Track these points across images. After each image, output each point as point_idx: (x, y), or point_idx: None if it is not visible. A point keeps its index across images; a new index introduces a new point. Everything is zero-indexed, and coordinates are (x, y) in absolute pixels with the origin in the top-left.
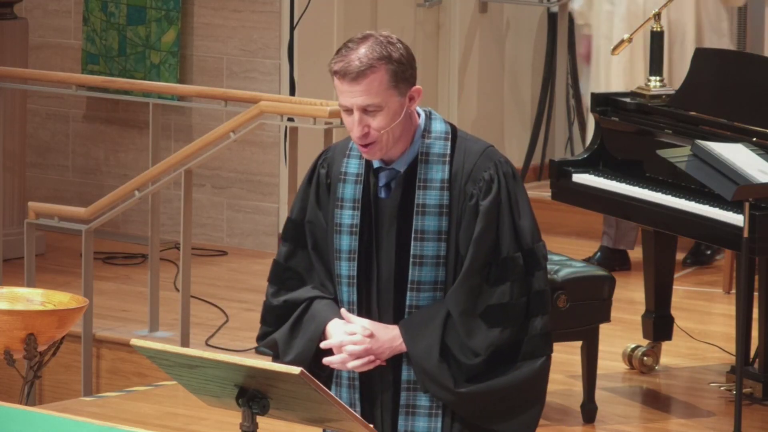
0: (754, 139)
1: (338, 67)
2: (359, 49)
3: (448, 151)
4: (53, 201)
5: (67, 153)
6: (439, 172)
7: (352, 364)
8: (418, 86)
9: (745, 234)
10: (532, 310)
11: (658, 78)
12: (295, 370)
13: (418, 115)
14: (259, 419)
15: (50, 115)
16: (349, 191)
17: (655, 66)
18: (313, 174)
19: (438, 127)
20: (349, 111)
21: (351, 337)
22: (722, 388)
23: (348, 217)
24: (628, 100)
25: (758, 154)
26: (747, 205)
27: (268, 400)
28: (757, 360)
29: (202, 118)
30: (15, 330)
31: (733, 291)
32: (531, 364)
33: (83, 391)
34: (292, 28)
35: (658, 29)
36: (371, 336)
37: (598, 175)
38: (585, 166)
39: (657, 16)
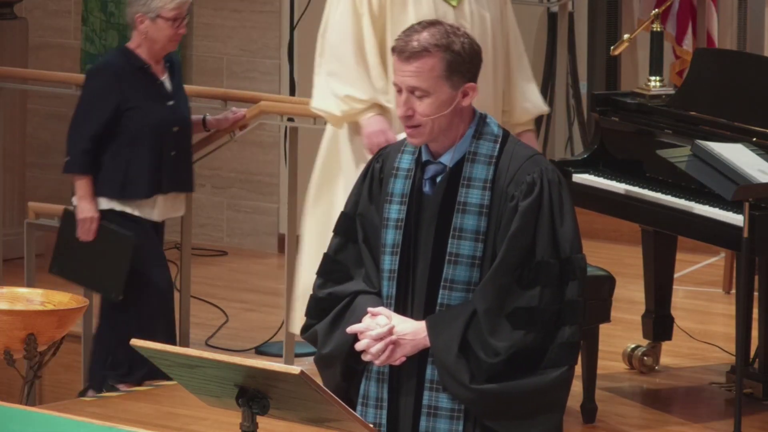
0: (754, 139)
1: (396, 44)
2: (422, 32)
3: (496, 153)
4: (53, 201)
5: None
6: (483, 172)
7: (374, 348)
8: (473, 83)
9: (745, 234)
10: (562, 319)
11: (658, 78)
12: (295, 370)
13: (474, 115)
14: (259, 419)
15: (50, 115)
16: (399, 186)
17: (655, 66)
18: (368, 169)
19: (490, 129)
20: (400, 90)
21: (374, 322)
22: (722, 388)
23: (395, 211)
24: (628, 100)
25: (758, 154)
26: (747, 205)
27: (268, 400)
28: (757, 360)
29: None
30: (15, 330)
31: (733, 291)
32: (552, 372)
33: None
34: (292, 28)
35: (658, 29)
36: (391, 327)
37: (598, 175)
38: (585, 166)
39: (657, 16)
